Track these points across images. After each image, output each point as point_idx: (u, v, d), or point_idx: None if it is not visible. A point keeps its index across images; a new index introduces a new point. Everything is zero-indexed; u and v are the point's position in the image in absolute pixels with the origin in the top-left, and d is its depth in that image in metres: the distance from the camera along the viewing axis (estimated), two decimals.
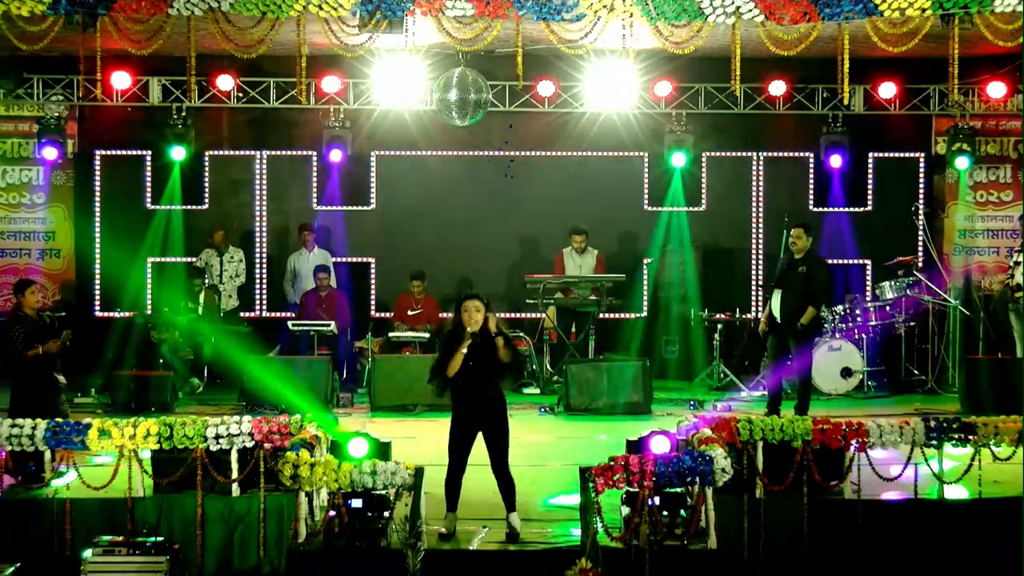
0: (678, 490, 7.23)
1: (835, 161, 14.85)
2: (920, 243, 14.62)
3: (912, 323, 13.70)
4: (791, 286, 11.16)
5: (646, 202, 15.36)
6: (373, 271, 15.35)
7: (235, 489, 7.84)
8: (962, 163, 14.63)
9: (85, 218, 15.15)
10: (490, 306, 7.87)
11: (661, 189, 15.30)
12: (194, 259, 14.66)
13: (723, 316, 13.97)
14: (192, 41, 10.52)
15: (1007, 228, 15.10)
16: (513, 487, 7.90)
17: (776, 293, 11.28)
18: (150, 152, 15.02)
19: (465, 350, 7.72)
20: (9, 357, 9.75)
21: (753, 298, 15.03)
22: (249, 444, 7.81)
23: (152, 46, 10.56)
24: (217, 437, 7.76)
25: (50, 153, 14.37)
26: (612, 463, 7.14)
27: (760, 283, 14.91)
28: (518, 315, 14.64)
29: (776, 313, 11.24)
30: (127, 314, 14.08)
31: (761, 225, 15.27)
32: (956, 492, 8.04)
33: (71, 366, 13.97)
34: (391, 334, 13.70)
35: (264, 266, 15.30)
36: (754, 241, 15.28)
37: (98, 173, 15.15)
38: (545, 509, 8.46)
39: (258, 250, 15.30)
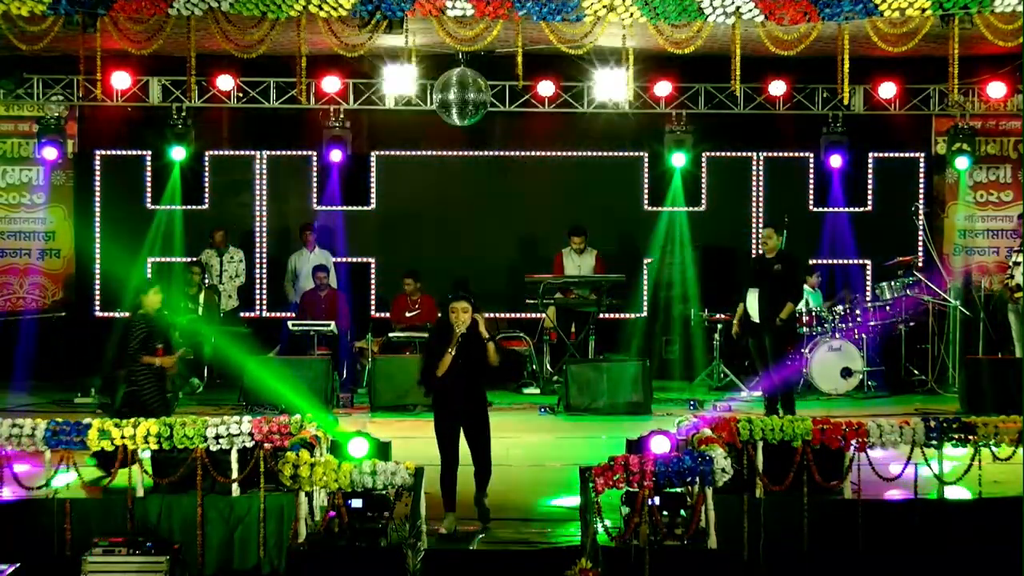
0: (678, 490, 7.23)
1: (835, 161, 14.86)
2: (920, 243, 14.62)
3: (912, 323, 13.68)
4: (767, 285, 11.15)
5: (646, 202, 15.37)
6: (373, 271, 15.36)
7: (235, 489, 7.84)
8: (962, 163, 14.64)
9: (85, 218, 15.15)
10: (478, 307, 8.00)
11: (661, 189, 15.31)
12: (194, 259, 14.64)
13: (723, 316, 13.96)
14: (192, 41, 10.53)
15: (1007, 228, 15.10)
16: (488, 475, 8.11)
17: (751, 293, 11.26)
18: (150, 152, 15.02)
19: (453, 351, 7.88)
20: (123, 356, 9.38)
21: None
22: (249, 444, 7.80)
23: (152, 46, 10.58)
24: (217, 437, 7.76)
25: (50, 153, 14.37)
26: (612, 463, 7.14)
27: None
28: (518, 315, 14.65)
29: (752, 313, 11.22)
30: (127, 314, 14.06)
31: (761, 225, 15.25)
32: (956, 492, 8.04)
33: (71, 366, 14.14)
34: (391, 334, 13.69)
35: (264, 266, 15.30)
36: (754, 241, 15.28)
37: (98, 173, 15.15)
38: (545, 509, 8.46)
39: (258, 250, 15.30)
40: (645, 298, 15.25)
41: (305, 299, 14.05)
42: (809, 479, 7.71)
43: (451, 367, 7.93)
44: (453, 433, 8.04)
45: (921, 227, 14.43)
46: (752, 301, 11.22)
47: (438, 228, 15.32)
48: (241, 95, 14.35)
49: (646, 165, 15.35)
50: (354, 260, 15.36)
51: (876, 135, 15.21)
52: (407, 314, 14.08)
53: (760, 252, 11.54)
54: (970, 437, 7.92)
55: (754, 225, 15.26)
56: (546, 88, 14.22)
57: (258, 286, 15.27)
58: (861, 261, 15.30)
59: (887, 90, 14.35)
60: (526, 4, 10.37)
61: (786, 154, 15.43)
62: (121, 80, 13.97)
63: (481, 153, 15.41)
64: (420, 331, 13.62)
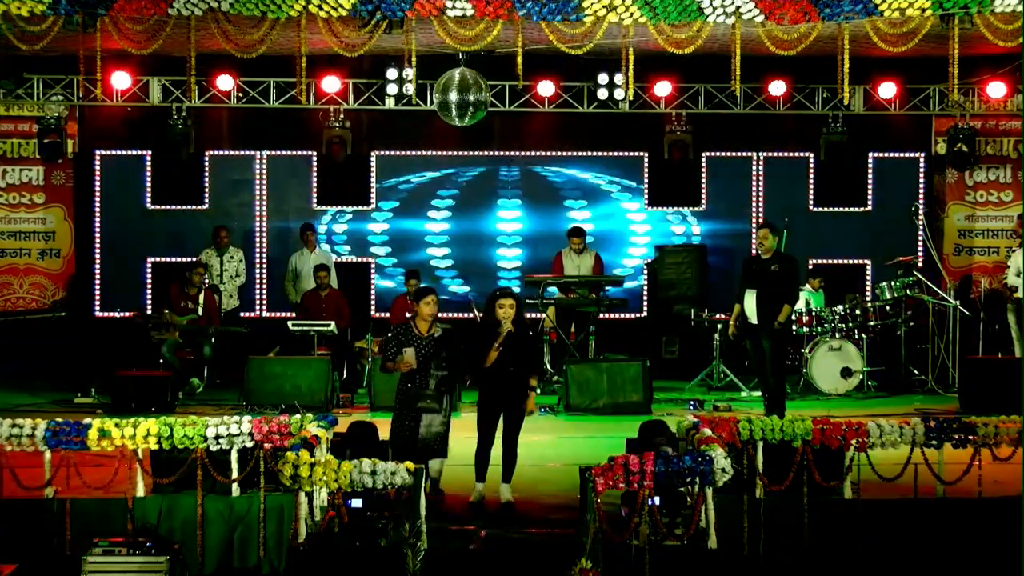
0: (678, 490, 7.22)
1: (835, 161, 14.85)
2: (920, 243, 14.63)
3: (912, 323, 13.68)
4: (765, 285, 11.12)
5: (646, 202, 15.38)
6: (373, 271, 15.37)
7: (235, 489, 7.83)
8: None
9: (85, 218, 15.17)
10: (520, 302, 8.62)
11: (661, 189, 15.31)
12: (195, 259, 14.62)
13: (723, 316, 13.95)
14: (192, 41, 10.53)
15: (1007, 228, 15.12)
16: (514, 462, 8.58)
17: (749, 294, 11.23)
18: (150, 152, 15.04)
19: (500, 347, 8.45)
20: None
21: None
22: (249, 444, 7.79)
23: (152, 46, 10.58)
24: (217, 437, 7.75)
25: (50, 153, 14.37)
26: (612, 463, 7.13)
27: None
28: None
29: (750, 314, 11.21)
30: (127, 314, 14.08)
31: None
32: (956, 492, 8.03)
33: (71, 366, 14.14)
34: (391, 334, 13.66)
35: (264, 266, 15.31)
36: (754, 241, 15.27)
37: (98, 173, 15.16)
38: (545, 509, 8.47)
39: (258, 250, 15.30)
40: (645, 298, 15.26)
41: (306, 299, 14.06)
42: (809, 479, 7.70)
43: (497, 360, 8.48)
44: (493, 418, 8.63)
45: (921, 227, 14.44)
46: (750, 302, 11.21)
47: (437, 228, 15.33)
48: (241, 95, 14.37)
49: (646, 165, 15.36)
50: (354, 260, 15.37)
51: (876, 135, 15.22)
52: (407, 314, 14.04)
53: (756, 253, 11.50)
54: (970, 437, 7.91)
55: (755, 225, 15.27)
56: (546, 88, 14.25)
57: (258, 286, 15.28)
58: (861, 261, 15.31)
59: (887, 90, 14.38)
60: (526, 4, 10.37)
61: (786, 154, 15.43)
62: (121, 80, 14.01)
63: (481, 153, 15.42)
64: None
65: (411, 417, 8.52)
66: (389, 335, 8.88)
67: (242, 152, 15.38)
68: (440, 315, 8.91)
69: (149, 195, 15.14)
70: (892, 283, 13.63)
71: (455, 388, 8.85)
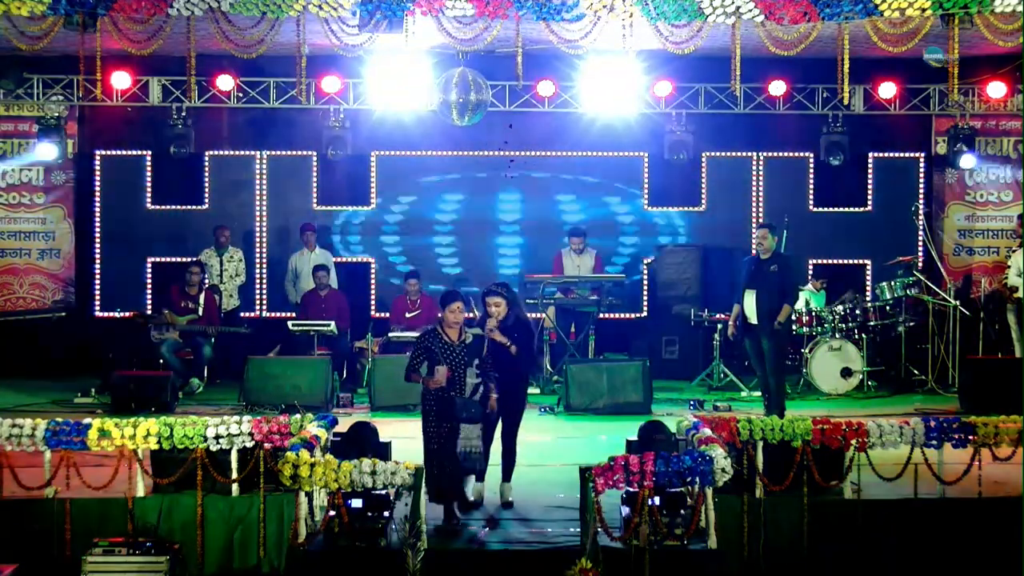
0: (678, 490, 7.23)
1: (835, 161, 14.86)
2: (920, 243, 14.63)
3: (912, 323, 13.68)
4: (764, 286, 11.14)
5: (646, 202, 15.38)
6: (373, 271, 15.37)
7: (235, 489, 7.83)
8: (967, 162, 14.63)
9: (85, 218, 15.17)
10: (513, 297, 8.68)
11: (661, 189, 15.32)
12: (194, 259, 14.63)
13: (723, 316, 13.95)
14: (192, 41, 10.53)
15: (1007, 228, 15.11)
16: (513, 460, 8.71)
17: (749, 294, 11.25)
18: (150, 152, 15.04)
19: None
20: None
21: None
22: (249, 444, 7.80)
23: (152, 46, 10.57)
24: (217, 437, 7.75)
25: (50, 153, 14.38)
26: (612, 463, 7.14)
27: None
28: None
29: (750, 314, 11.22)
30: (127, 314, 14.08)
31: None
32: (956, 492, 8.03)
33: (71, 366, 14.14)
34: (391, 334, 13.69)
35: (264, 266, 15.31)
36: (753, 241, 15.27)
37: (98, 173, 15.16)
38: (545, 509, 8.47)
39: (258, 250, 15.30)
40: (645, 298, 15.26)
41: (306, 299, 14.06)
42: (809, 479, 7.72)
43: (489, 355, 8.41)
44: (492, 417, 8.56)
45: (921, 227, 14.44)
46: (749, 302, 11.22)
47: (438, 228, 15.34)
48: (241, 95, 14.37)
49: (646, 165, 15.36)
50: (354, 260, 15.37)
51: (876, 135, 15.22)
52: (407, 314, 14.07)
53: (755, 253, 11.51)
54: (970, 437, 7.92)
55: (754, 225, 15.26)
56: (546, 88, 14.25)
57: (258, 286, 15.28)
58: (861, 261, 15.31)
59: (887, 90, 14.38)
60: (526, 4, 10.36)
61: (786, 154, 15.43)
62: (121, 80, 14.01)
63: (481, 153, 15.42)
64: (420, 331, 13.61)
65: (449, 428, 8.07)
66: (418, 346, 8.28)
67: (242, 152, 15.37)
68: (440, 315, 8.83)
69: (149, 195, 15.14)
70: (892, 283, 13.63)
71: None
